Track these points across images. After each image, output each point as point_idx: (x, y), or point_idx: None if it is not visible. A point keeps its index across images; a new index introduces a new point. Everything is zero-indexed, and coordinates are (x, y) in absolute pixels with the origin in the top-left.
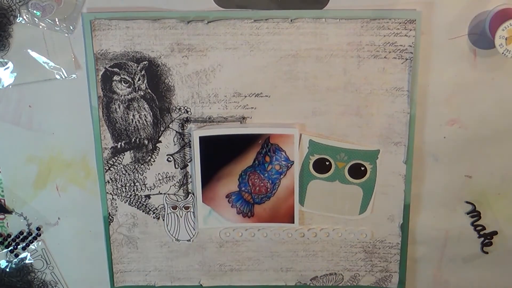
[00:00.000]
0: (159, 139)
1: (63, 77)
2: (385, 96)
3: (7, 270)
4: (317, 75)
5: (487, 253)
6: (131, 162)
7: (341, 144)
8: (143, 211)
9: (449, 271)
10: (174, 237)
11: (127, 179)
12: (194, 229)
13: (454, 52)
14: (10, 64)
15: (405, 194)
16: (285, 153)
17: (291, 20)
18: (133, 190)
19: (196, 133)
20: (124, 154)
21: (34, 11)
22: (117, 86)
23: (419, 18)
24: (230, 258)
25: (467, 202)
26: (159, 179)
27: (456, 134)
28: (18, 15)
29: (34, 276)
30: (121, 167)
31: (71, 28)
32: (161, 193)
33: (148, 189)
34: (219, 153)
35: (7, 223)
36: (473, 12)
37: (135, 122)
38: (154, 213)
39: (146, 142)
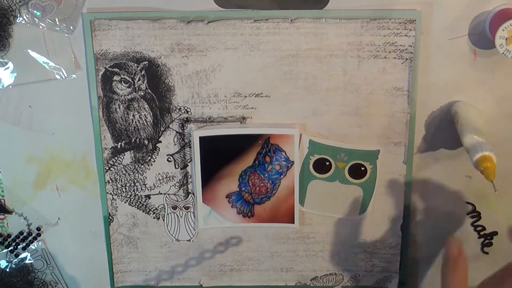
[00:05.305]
0: (159, 139)
1: (63, 77)
2: (385, 96)
3: (7, 270)
4: (317, 75)
5: (487, 253)
6: (131, 162)
7: (341, 144)
8: (143, 211)
9: None
10: (174, 237)
11: (127, 179)
12: (194, 229)
13: (454, 52)
14: (10, 64)
15: (405, 194)
16: (285, 153)
17: (291, 20)
18: (133, 190)
19: (196, 133)
20: (124, 154)
21: (34, 11)
22: (117, 86)
23: (419, 18)
24: (230, 258)
25: (467, 202)
26: (159, 179)
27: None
28: (18, 15)
29: (34, 276)
30: (121, 167)
31: (71, 28)
32: (161, 193)
33: (148, 189)
34: (219, 153)
35: (7, 223)
36: (473, 12)
37: (135, 122)
38: (154, 213)
39: (146, 142)
